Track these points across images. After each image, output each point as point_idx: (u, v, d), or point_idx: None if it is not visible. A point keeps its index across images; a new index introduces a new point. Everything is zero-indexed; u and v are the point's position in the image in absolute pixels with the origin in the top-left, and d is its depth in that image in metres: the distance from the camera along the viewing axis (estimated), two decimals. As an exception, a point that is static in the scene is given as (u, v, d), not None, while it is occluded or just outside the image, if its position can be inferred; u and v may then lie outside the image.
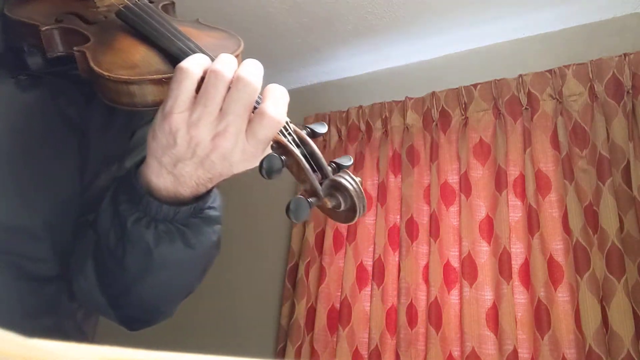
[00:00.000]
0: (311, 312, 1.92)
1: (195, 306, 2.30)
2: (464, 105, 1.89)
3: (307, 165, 0.45)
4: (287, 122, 0.48)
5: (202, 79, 0.46)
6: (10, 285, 0.54)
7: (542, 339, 1.51)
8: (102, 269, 0.56)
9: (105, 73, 0.49)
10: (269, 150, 0.47)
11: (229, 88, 0.46)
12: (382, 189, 1.94)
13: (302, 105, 2.32)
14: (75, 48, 0.52)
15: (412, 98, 2.02)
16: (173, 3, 0.66)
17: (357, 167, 2.04)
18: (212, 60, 0.47)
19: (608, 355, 1.41)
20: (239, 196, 2.39)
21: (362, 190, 0.44)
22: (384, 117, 2.05)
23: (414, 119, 2.00)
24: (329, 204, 0.44)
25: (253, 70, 0.47)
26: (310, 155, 0.46)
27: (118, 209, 0.52)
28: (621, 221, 1.51)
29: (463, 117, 1.88)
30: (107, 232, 0.53)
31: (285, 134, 0.47)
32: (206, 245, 0.55)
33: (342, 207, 0.44)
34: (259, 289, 2.20)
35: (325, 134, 2.24)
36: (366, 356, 1.76)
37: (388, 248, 1.86)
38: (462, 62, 2.05)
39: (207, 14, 2.02)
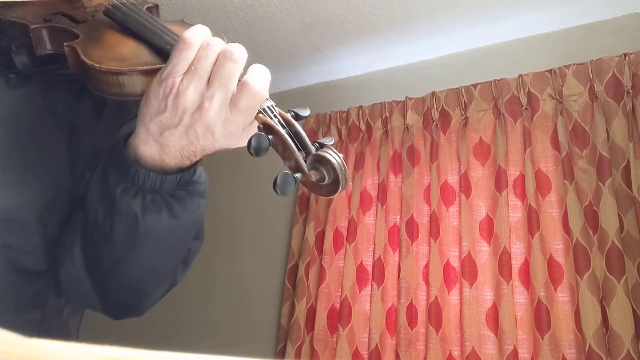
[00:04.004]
0: (311, 312, 1.92)
1: (195, 306, 2.30)
2: (464, 105, 1.89)
3: (292, 144, 0.48)
4: (272, 106, 0.52)
5: None
6: (2, 276, 0.55)
7: (542, 339, 1.51)
8: (89, 247, 0.58)
9: (96, 65, 0.51)
10: (255, 131, 0.50)
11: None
12: (383, 188, 1.94)
13: (302, 105, 2.31)
14: (65, 44, 0.54)
15: (412, 98, 2.02)
16: (157, 5, 0.68)
17: (358, 167, 2.04)
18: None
19: (608, 355, 1.41)
20: (239, 197, 2.40)
21: (345, 165, 0.47)
22: (384, 117, 2.05)
23: (414, 119, 2.00)
24: (314, 177, 0.47)
25: (238, 47, 0.51)
26: (294, 135, 0.49)
27: (107, 181, 0.54)
28: (621, 221, 1.51)
29: (463, 117, 1.88)
30: (96, 207, 0.55)
31: (272, 115, 0.51)
32: (190, 218, 0.57)
33: (326, 180, 0.47)
34: (259, 289, 2.20)
35: (326, 132, 2.22)
36: (366, 356, 1.76)
37: (388, 248, 1.86)
38: (462, 62, 2.05)
39: (209, 14, 2.02)
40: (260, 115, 0.50)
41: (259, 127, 0.50)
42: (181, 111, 0.49)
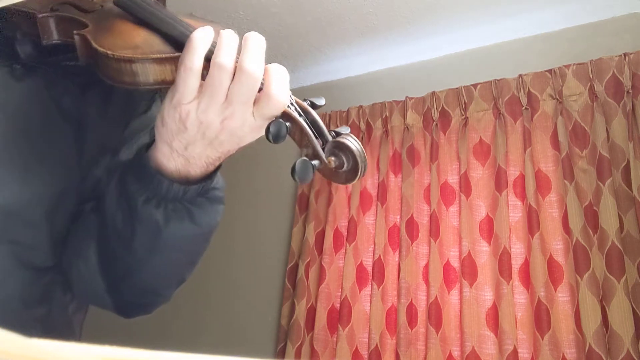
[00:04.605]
0: (311, 312, 1.92)
1: (195, 306, 2.30)
2: (464, 105, 1.88)
3: (310, 131, 0.48)
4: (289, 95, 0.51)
5: (208, 60, 0.49)
6: (11, 273, 0.55)
7: (542, 339, 1.51)
8: (106, 251, 0.57)
9: (109, 52, 0.50)
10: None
11: (233, 75, 0.48)
12: (383, 188, 1.94)
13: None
14: (75, 32, 0.53)
15: (412, 98, 2.02)
16: None
17: (357, 167, 2.04)
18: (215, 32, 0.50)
19: (608, 355, 1.41)
20: (239, 197, 2.39)
21: (365, 152, 0.47)
22: (384, 117, 2.05)
23: (414, 118, 2.00)
24: (332, 164, 0.47)
25: (254, 56, 0.48)
26: (312, 123, 0.50)
27: (127, 190, 0.54)
28: (621, 221, 1.51)
29: (463, 117, 1.88)
30: (114, 214, 0.55)
31: (289, 104, 0.51)
32: (210, 224, 0.57)
33: (345, 167, 0.47)
34: (259, 289, 2.20)
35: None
36: (366, 356, 1.76)
37: (388, 248, 1.86)
38: (462, 62, 2.05)
39: (210, 14, 2.02)
40: None
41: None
42: (204, 128, 0.49)
